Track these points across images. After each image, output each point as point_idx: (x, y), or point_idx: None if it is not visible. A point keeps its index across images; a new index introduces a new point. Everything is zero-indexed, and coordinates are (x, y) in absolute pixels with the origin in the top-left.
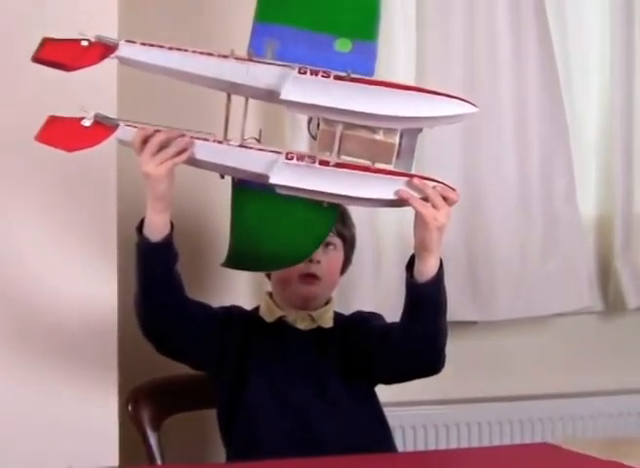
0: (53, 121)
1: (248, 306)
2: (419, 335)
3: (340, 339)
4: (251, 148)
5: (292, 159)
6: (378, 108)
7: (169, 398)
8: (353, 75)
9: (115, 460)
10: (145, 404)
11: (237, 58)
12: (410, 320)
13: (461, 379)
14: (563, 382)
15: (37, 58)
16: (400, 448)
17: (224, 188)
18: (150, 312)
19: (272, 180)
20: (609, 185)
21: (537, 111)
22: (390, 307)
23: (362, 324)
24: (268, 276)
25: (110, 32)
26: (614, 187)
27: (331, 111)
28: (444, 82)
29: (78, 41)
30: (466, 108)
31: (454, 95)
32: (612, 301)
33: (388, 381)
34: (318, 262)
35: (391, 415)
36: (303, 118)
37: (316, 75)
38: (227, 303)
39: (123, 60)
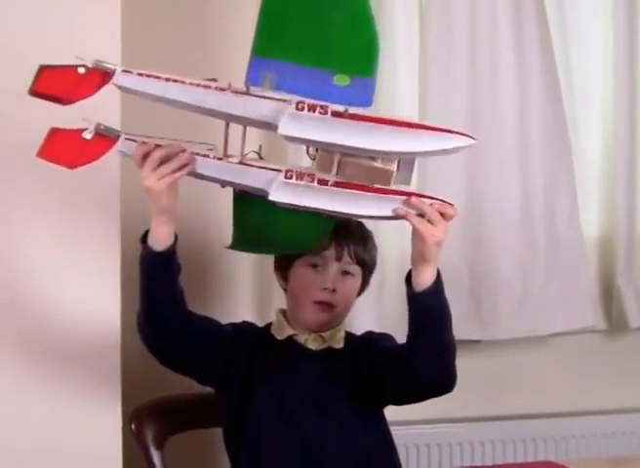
0: (54, 134)
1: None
2: (424, 350)
3: (350, 360)
4: (250, 166)
5: (291, 178)
6: (375, 145)
7: (172, 417)
8: (351, 111)
9: None
10: (149, 422)
11: (234, 92)
12: (414, 334)
13: (465, 398)
14: (566, 401)
15: (34, 92)
16: (404, 467)
17: (225, 198)
18: (153, 324)
19: (271, 197)
20: (611, 205)
21: (540, 133)
22: (393, 327)
23: (372, 344)
24: (285, 290)
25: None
26: (616, 207)
27: (328, 145)
28: (446, 105)
29: (75, 68)
30: (464, 142)
31: (453, 129)
32: (615, 320)
33: (401, 402)
34: (334, 291)
35: (395, 434)
36: None
37: (314, 111)
38: (229, 320)
39: (121, 88)
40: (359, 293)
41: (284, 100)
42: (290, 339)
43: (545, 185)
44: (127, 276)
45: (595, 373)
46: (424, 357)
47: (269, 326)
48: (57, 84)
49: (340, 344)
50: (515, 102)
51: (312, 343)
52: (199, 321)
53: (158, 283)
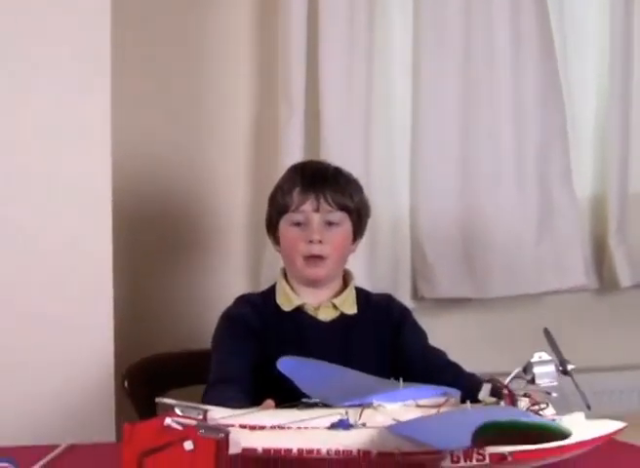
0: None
1: (243, 285)
2: None
3: (366, 326)
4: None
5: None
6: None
7: (165, 374)
8: (513, 450)
9: (112, 436)
10: (141, 380)
11: (381, 453)
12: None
13: (455, 356)
14: None
15: None
16: None
17: (221, 164)
18: None
19: None
20: (604, 165)
21: (534, 94)
22: (384, 286)
23: (402, 322)
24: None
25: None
26: (609, 167)
27: None
28: (440, 66)
29: (180, 445)
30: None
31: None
32: (606, 280)
33: None
34: (320, 242)
35: None
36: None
37: (470, 460)
38: (222, 287)
39: None
40: (356, 238)
41: (438, 453)
42: (298, 310)
43: (539, 145)
44: (118, 219)
45: (586, 332)
46: None
47: (271, 292)
48: None
49: (352, 310)
50: (509, 64)
51: (323, 314)
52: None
53: None
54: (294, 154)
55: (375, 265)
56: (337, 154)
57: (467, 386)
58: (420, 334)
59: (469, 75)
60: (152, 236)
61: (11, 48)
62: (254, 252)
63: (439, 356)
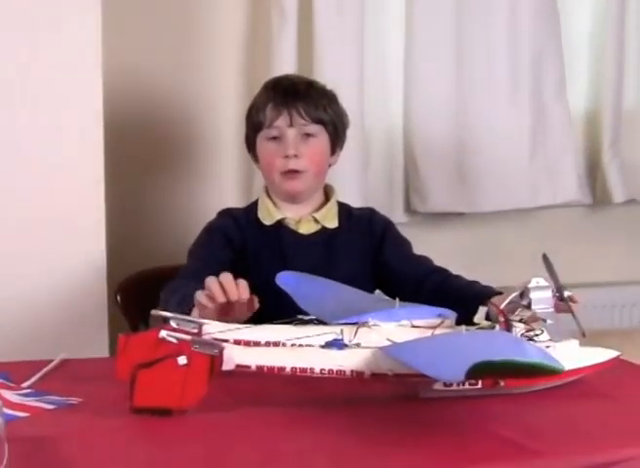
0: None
1: (235, 200)
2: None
3: (347, 238)
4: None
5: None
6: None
7: (157, 288)
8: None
9: (105, 351)
10: (134, 295)
11: (374, 374)
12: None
13: (448, 269)
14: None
15: (136, 408)
16: None
17: (212, 80)
18: None
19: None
20: (599, 80)
21: (529, 7)
22: (377, 201)
23: (385, 236)
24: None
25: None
26: (604, 82)
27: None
28: None
29: (174, 360)
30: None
31: (599, 363)
32: (599, 195)
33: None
34: (295, 156)
35: None
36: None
37: (463, 385)
38: (213, 201)
39: None
40: (335, 151)
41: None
42: (279, 224)
43: (533, 57)
44: (110, 134)
45: (578, 247)
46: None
47: (254, 207)
48: (160, 390)
49: (333, 223)
50: None
51: (304, 227)
52: None
53: None
54: (286, 64)
55: (368, 180)
56: (329, 67)
57: (454, 289)
58: (404, 244)
59: None
60: (145, 151)
61: None
62: (246, 167)
63: (424, 263)
